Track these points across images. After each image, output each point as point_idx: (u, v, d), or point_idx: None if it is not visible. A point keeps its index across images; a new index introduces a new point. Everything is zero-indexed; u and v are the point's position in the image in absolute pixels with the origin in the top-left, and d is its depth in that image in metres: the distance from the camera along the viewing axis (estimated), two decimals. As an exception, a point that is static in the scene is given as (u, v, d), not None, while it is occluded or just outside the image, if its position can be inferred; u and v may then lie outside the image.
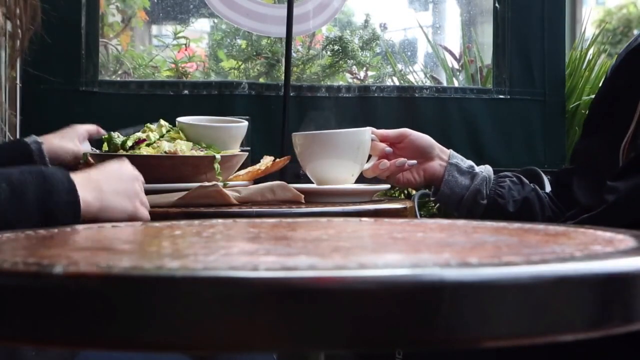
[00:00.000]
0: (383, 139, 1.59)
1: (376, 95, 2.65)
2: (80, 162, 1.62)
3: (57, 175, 1.15)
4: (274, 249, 0.66)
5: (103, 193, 1.22)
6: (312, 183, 1.62)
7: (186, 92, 2.46)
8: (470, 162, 1.60)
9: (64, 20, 2.31)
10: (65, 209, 1.14)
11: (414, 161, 1.57)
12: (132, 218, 1.24)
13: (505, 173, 1.59)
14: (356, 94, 2.64)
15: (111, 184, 1.24)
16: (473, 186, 1.56)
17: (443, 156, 1.60)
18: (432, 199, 1.61)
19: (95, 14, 2.51)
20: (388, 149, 1.58)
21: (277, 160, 1.61)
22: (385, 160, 1.57)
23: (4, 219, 1.07)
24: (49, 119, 2.36)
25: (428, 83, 3.35)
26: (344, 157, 1.53)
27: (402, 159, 1.56)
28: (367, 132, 1.55)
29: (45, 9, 1.38)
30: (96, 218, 1.20)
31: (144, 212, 1.27)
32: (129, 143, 1.51)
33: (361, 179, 1.62)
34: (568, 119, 2.85)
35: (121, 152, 1.47)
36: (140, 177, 1.30)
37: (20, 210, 1.10)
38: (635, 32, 8.48)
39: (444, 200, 1.60)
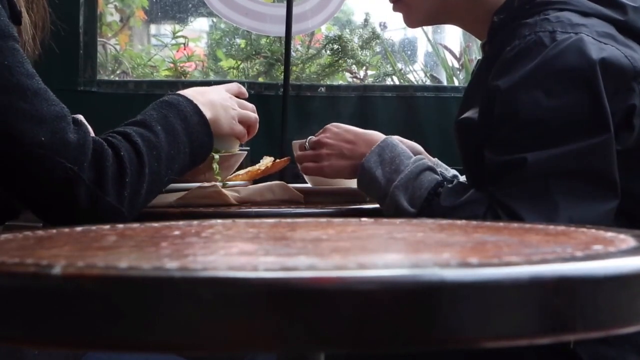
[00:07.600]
0: None
1: (376, 94, 2.64)
2: None
3: (182, 102, 1.31)
4: (274, 249, 0.65)
5: (215, 107, 1.38)
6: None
7: (185, 91, 2.45)
8: (454, 172, 1.59)
9: (62, 20, 2.31)
10: (200, 130, 1.31)
11: None
12: (233, 131, 1.42)
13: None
14: (356, 94, 2.63)
15: (221, 100, 1.40)
16: None
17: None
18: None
19: (94, 13, 2.51)
20: None
21: (277, 160, 1.61)
22: None
23: (168, 155, 1.23)
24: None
25: (428, 82, 3.36)
26: None
27: None
28: None
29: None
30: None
31: (240, 128, 1.44)
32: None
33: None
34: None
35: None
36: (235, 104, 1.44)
37: (177, 144, 1.25)
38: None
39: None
